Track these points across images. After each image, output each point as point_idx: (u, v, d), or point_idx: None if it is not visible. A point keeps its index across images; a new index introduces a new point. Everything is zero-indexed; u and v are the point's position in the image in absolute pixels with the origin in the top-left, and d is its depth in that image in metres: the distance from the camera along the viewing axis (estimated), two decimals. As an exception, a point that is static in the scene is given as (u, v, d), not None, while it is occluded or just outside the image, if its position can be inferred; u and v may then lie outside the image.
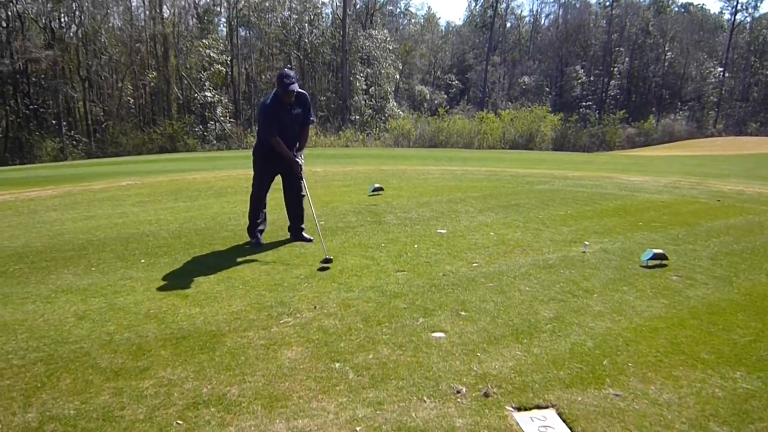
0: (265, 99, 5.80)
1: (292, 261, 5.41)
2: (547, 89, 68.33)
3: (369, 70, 54.78)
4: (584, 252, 5.89)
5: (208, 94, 43.08)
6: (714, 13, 77.50)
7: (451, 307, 4.34)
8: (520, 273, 5.17)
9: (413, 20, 71.02)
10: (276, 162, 5.94)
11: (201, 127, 42.13)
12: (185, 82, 43.76)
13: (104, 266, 5.18)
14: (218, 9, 49.81)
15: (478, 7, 75.47)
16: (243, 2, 47.54)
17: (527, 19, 79.19)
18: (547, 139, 55.26)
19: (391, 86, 56.86)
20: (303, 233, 6.23)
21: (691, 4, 78.19)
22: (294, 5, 51.81)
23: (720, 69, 70.62)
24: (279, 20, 50.99)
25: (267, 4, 49.72)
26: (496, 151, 38.84)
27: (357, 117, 52.49)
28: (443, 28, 78.75)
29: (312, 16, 52.69)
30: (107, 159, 29.58)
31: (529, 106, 57.42)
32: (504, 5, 71.94)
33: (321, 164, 15.22)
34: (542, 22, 78.87)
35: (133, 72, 43.48)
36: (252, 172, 6.22)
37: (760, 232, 6.98)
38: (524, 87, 68.27)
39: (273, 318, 4.06)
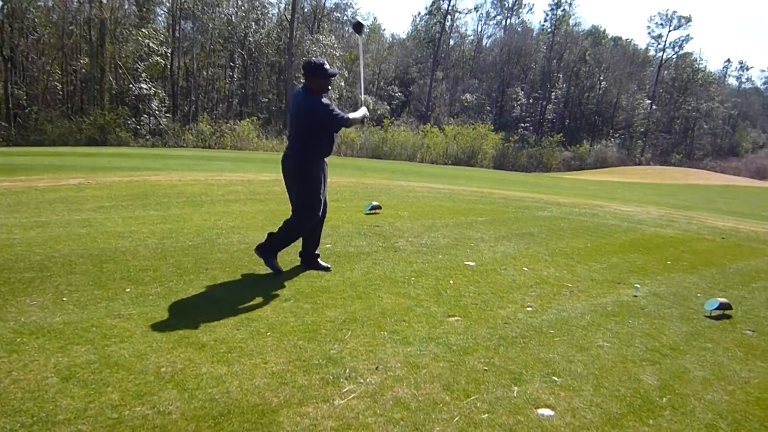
0: (317, 100, 4.69)
1: (317, 297, 4.44)
2: (488, 108, 69.26)
3: (313, 75, 53.68)
4: (636, 296, 5.25)
5: (144, 86, 40.70)
6: (641, 48, 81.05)
7: (538, 369, 3.54)
8: (585, 322, 4.44)
9: (359, 29, 70.40)
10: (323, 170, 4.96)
11: (134, 120, 39.71)
12: (120, 71, 41.18)
13: (79, 296, 4.04)
14: (160, -2, 47.41)
15: (422, 22, 75.82)
16: (188, -7, 45.45)
17: (471, 38, 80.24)
18: (488, 157, 55.93)
19: (335, 93, 55.91)
20: (319, 260, 5.27)
21: (620, 38, 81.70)
22: (240, 2, 50.06)
23: (648, 101, 74.00)
24: (224, 16, 49.08)
25: (212, -2, 47.81)
26: (459, 168, 38.69)
27: (299, 122, 51.23)
28: (388, 39, 78.57)
29: (259, 15, 51.08)
30: (34, 148, 26.98)
31: (471, 123, 57.93)
32: (449, 23, 72.54)
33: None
34: (485, 42, 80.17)
35: (63, 56, 40.52)
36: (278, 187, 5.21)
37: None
38: (466, 104, 68.93)
39: (330, 384, 3.12)
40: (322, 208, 5.01)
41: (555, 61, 71.83)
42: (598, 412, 3.11)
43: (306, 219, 4.92)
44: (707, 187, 36.00)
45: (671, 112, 75.85)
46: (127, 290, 4.23)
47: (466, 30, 79.15)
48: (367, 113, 5.11)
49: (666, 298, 5.28)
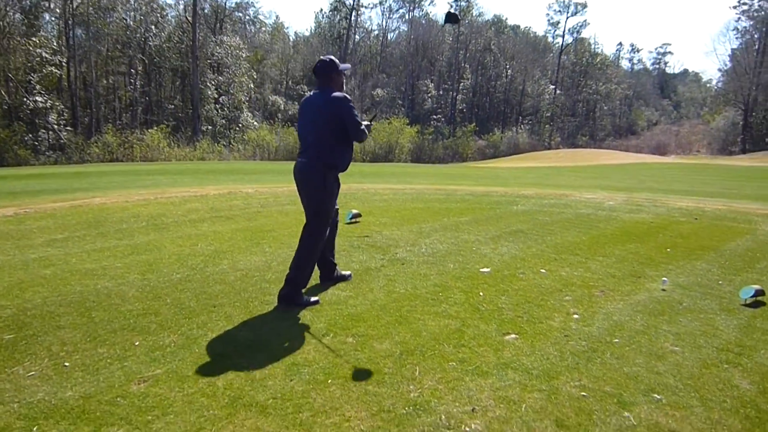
0: (342, 96, 4.27)
1: (354, 327, 3.92)
2: (399, 102, 69.65)
3: (221, 78, 51.84)
4: (664, 290, 5.07)
5: (39, 98, 37.69)
6: (540, 35, 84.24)
7: (632, 386, 3.22)
8: (640, 326, 4.18)
9: (263, 28, 68.67)
10: None
11: (32, 136, 36.69)
12: (11, 84, 37.95)
13: (82, 358, 3.33)
14: (47, 4, 43.94)
15: (326, 19, 75.10)
16: (79, -1, 42.50)
17: (375, 32, 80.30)
18: (405, 151, 56.14)
19: (245, 95, 54.28)
20: (338, 268, 4.83)
21: (518, 26, 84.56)
22: (137, 5, 47.44)
23: (552, 86, 76.96)
24: (120, 21, 46.34)
25: (106, 2, 44.95)
26: (386, 165, 38.35)
27: (209, 127, 49.26)
28: (292, 38, 77.25)
29: (157, 18, 48.60)
30: None
31: (387, 119, 57.94)
32: (353, 18, 72.27)
33: (227, 183, 13.28)
34: (390, 36, 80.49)
35: (-58, 71, 36.84)
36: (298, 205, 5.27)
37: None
38: (377, 99, 68.96)
39: (435, 438, 2.65)
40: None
41: (462, 51, 73.21)
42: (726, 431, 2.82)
43: (324, 223, 4.41)
44: (627, 167, 37.69)
45: (574, 95, 79.35)
46: (136, 343, 3.54)
47: (371, 25, 79.15)
48: (369, 126, 4.61)
49: (692, 289, 5.14)
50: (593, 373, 3.38)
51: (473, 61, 74.50)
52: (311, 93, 4.46)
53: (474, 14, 75.31)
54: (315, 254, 4.41)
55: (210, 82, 50.12)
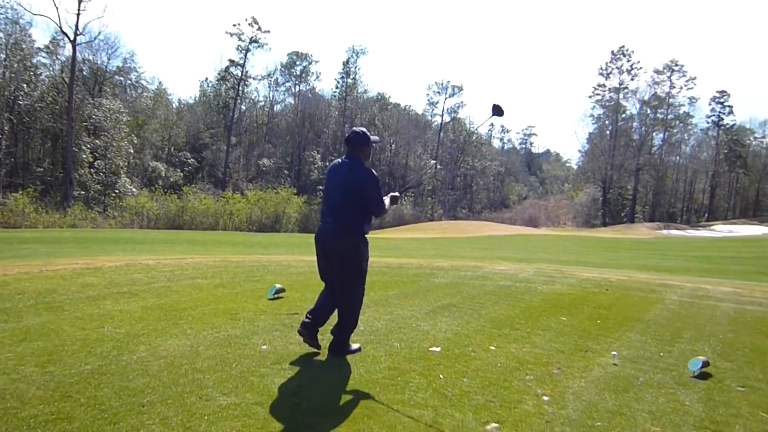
0: (361, 168, 4.60)
1: (320, 425, 3.40)
2: (285, 172, 69.46)
3: (97, 141, 49.02)
4: (615, 365, 5.00)
5: None
6: (420, 113, 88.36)
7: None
8: (615, 407, 3.99)
9: (144, 93, 66.48)
10: None
11: None
12: None
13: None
14: None
15: (211, 87, 74.31)
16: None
17: (261, 103, 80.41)
18: (292, 221, 55.51)
19: (123, 160, 51.55)
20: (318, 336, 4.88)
21: (399, 104, 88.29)
22: (9, 62, 44.34)
23: (433, 161, 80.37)
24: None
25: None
26: (277, 235, 37.29)
27: (82, 192, 45.96)
28: (175, 104, 75.35)
29: (31, 77, 45.58)
30: None
31: (275, 188, 57.33)
32: (240, 89, 72.04)
33: (119, 254, 12.08)
34: (277, 108, 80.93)
35: None
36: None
37: (706, 321, 6.99)
38: (264, 168, 68.34)
39: None
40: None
41: (347, 125, 74.92)
42: None
43: (362, 284, 4.82)
44: (511, 238, 39.45)
45: (453, 170, 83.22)
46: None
47: (257, 96, 79.19)
48: (398, 197, 5.03)
49: (641, 363, 5.10)
50: (595, 466, 3.10)
51: (358, 135, 76.35)
52: (341, 160, 4.73)
53: (359, 90, 77.77)
54: (356, 312, 4.84)
55: (85, 146, 47.17)
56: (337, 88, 76.80)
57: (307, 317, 4.68)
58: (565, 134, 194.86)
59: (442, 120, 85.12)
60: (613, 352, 5.18)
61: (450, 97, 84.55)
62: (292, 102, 78.59)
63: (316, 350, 4.80)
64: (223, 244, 20.00)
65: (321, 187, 68.73)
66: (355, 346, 4.85)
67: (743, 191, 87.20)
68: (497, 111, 5.06)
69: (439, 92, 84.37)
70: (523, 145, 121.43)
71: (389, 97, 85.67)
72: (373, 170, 4.61)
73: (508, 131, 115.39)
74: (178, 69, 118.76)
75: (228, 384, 3.90)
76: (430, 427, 3.46)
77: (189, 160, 65.38)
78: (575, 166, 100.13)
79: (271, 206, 52.76)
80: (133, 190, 49.92)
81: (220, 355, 4.49)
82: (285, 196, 54.32)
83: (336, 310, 4.79)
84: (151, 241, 19.38)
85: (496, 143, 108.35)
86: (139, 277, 7.64)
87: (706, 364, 4.91)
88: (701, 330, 6.61)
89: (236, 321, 5.61)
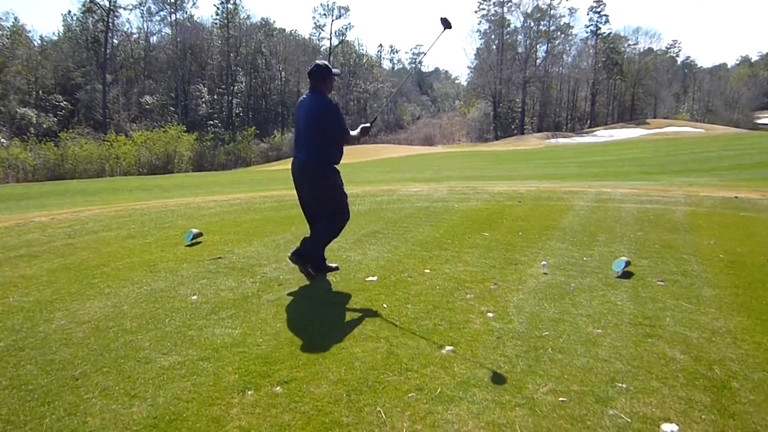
0: (322, 100, 4.75)
1: (276, 373, 3.25)
2: (172, 108, 65.70)
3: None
4: (546, 273, 5.16)
5: None
6: (307, 38, 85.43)
7: (598, 381, 3.09)
8: (556, 314, 4.13)
9: (1, 33, 59.61)
10: None
11: None
12: None
13: None
14: None
15: (76, 21, 67.76)
16: None
17: (135, 36, 74.51)
18: (185, 160, 53.19)
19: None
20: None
21: (284, 29, 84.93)
22: None
23: (325, 87, 78.69)
24: None
25: None
26: (175, 176, 35.37)
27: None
28: (37, 42, 68.20)
29: None
30: None
31: (162, 127, 54.20)
32: (110, 21, 66.17)
33: (4, 212, 10.96)
34: (153, 40, 75.35)
35: None
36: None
37: (615, 222, 7.37)
38: (147, 107, 64.21)
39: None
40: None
41: (232, 54, 71.35)
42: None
43: (344, 213, 4.98)
44: (412, 158, 39.83)
45: (347, 95, 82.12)
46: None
47: (130, 28, 73.22)
48: (368, 128, 5.15)
49: (568, 269, 5.30)
50: (553, 374, 3.18)
51: (245, 64, 73.11)
52: (305, 95, 4.88)
53: (242, 17, 73.77)
54: (335, 234, 5.01)
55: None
56: (217, 15, 72.46)
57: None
58: (453, 52, 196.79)
59: (330, 44, 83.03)
60: (543, 262, 5.33)
61: (337, 18, 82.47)
62: (170, 32, 73.39)
63: (247, 294, 4.60)
64: (119, 191, 18.73)
65: (211, 122, 65.97)
66: (333, 264, 5.22)
67: (620, 96, 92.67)
68: (446, 24, 5.06)
69: (325, 14, 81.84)
70: (413, 65, 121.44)
71: (274, 22, 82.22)
72: (335, 103, 4.80)
73: (397, 51, 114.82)
74: (34, 2, 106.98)
75: (166, 342, 3.64)
76: (387, 358, 3.40)
77: (62, 104, 60.21)
78: (465, 83, 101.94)
79: (161, 146, 50.06)
80: (2, 141, 45.55)
81: (149, 312, 4.18)
82: (174, 135, 51.57)
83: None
84: (36, 196, 17.82)
85: (386, 64, 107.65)
86: (35, 237, 6.94)
87: (628, 263, 5.18)
88: (613, 231, 6.98)
89: (157, 273, 5.24)
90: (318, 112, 4.68)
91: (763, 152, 31.46)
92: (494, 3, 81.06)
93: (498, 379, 3.13)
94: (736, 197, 9.85)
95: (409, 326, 3.91)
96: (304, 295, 4.59)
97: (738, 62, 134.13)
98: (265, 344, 3.61)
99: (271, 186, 17.08)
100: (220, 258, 5.75)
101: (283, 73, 74.51)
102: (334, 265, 5.25)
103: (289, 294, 4.62)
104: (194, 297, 4.56)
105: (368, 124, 5.16)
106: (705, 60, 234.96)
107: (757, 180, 15.27)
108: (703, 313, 4.14)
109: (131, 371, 3.24)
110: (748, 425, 2.68)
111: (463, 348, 3.54)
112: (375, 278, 5.06)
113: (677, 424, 2.68)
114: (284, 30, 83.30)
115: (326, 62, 4.85)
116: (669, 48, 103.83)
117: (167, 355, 3.44)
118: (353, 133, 4.91)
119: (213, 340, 3.68)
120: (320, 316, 4.13)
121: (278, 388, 3.04)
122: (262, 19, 78.37)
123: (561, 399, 2.90)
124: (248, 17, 75.81)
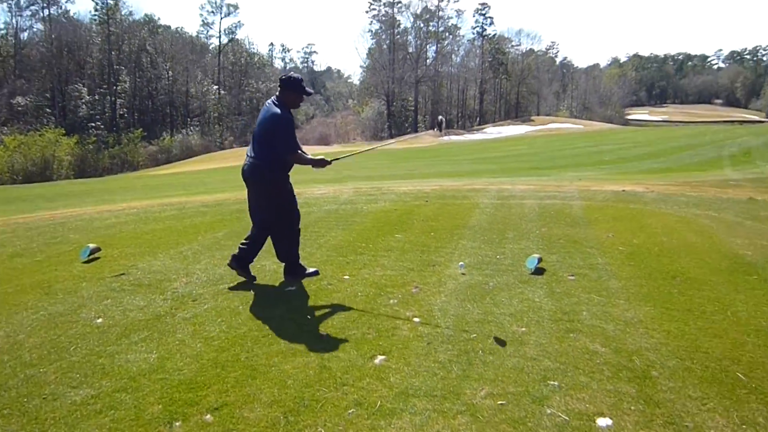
0: (274, 109, 4.78)
1: (203, 399, 3.05)
2: (48, 110, 61.10)
3: None
4: (464, 274, 5.23)
5: None
6: (194, 35, 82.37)
7: (531, 380, 3.16)
8: (480, 316, 4.19)
9: None
10: None
11: None
12: None
13: None
14: None
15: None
16: None
17: (3, 32, 68.57)
18: (66, 165, 49.62)
19: None
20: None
21: (170, 26, 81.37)
22: None
23: (215, 86, 76.42)
24: None
25: None
26: (57, 184, 32.71)
27: None
28: None
29: None
30: None
31: (37, 130, 50.20)
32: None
33: None
34: (24, 36, 69.68)
35: None
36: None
37: (520, 219, 7.61)
38: (19, 108, 59.28)
39: None
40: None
41: (114, 52, 67.43)
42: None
43: (292, 221, 5.10)
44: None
45: (239, 95, 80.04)
46: None
47: (-6, 23, 67.25)
48: (326, 162, 5.06)
49: (484, 269, 5.39)
50: (488, 377, 3.21)
51: (129, 63, 69.33)
52: (271, 100, 4.93)
53: (123, 13, 69.79)
54: (296, 239, 5.18)
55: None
56: (96, 11, 68.05)
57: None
58: (345, 51, 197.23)
59: (220, 42, 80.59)
60: (460, 263, 5.39)
61: (226, 16, 79.99)
62: (42, 28, 68.14)
63: (159, 313, 4.30)
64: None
65: (93, 124, 62.02)
66: (311, 269, 5.22)
67: (506, 95, 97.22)
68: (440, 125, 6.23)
69: (213, 12, 79.21)
70: (305, 64, 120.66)
71: (158, 19, 78.63)
72: (289, 112, 4.84)
73: (289, 50, 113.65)
74: None
75: (74, 374, 3.31)
76: (320, 373, 3.29)
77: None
78: (358, 82, 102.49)
79: (37, 151, 46.32)
80: None
81: (50, 340, 3.80)
82: (52, 138, 47.90)
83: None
84: None
85: (278, 63, 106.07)
86: None
87: (540, 260, 5.36)
88: (519, 228, 7.21)
89: (53, 295, 4.78)
90: (269, 119, 4.77)
91: (638, 146, 34.12)
92: (384, 3, 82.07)
93: (435, 386, 3.11)
94: (623, 190, 10.54)
95: (337, 337, 3.81)
96: (221, 311, 4.35)
97: (609, 63, 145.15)
98: (186, 368, 3.38)
99: (168, 192, 16.29)
100: (123, 274, 5.35)
101: (170, 72, 71.29)
102: (312, 269, 5.25)
103: (206, 310, 4.37)
104: (99, 320, 4.19)
105: (329, 159, 5.13)
106: (580, 60, 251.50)
107: (637, 173, 16.48)
108: (614, 305, 4.36)
109: (38, 411, 2.91)
110: (673, 412, 2.83)
111: (396, 356, 3.50)
112: (294, 288, 4.91)
113: (611, 418, 2.78)
114: (170, 27, 79.87)
115: (297, 76, 4.90)
116: (548, 49, 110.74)
117: (77, 389, 3.13)
118: (307, 155, 4.95)
119: (128, 367, 3.40)
120: (242, 332, 3.93)
121: (208, 416, 2.85)
122: (146, 15, 74.65)
123: (500, 402, 2.93)
124: (131, 13, 71.87)
